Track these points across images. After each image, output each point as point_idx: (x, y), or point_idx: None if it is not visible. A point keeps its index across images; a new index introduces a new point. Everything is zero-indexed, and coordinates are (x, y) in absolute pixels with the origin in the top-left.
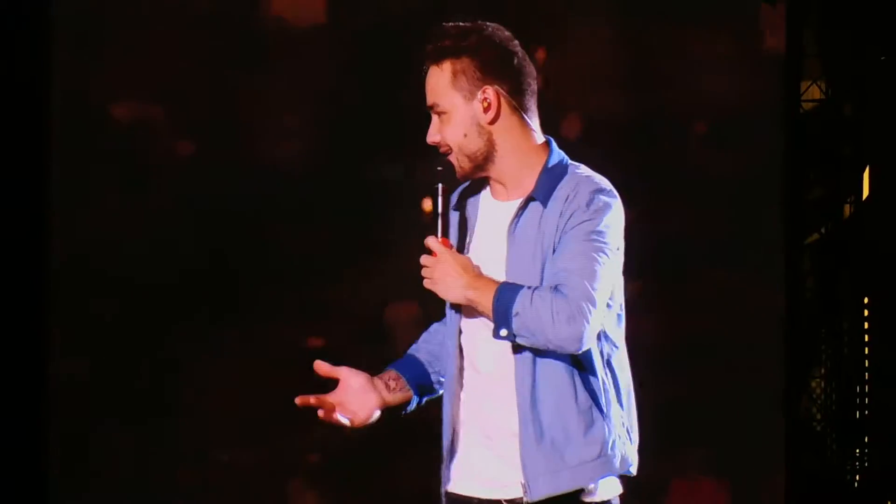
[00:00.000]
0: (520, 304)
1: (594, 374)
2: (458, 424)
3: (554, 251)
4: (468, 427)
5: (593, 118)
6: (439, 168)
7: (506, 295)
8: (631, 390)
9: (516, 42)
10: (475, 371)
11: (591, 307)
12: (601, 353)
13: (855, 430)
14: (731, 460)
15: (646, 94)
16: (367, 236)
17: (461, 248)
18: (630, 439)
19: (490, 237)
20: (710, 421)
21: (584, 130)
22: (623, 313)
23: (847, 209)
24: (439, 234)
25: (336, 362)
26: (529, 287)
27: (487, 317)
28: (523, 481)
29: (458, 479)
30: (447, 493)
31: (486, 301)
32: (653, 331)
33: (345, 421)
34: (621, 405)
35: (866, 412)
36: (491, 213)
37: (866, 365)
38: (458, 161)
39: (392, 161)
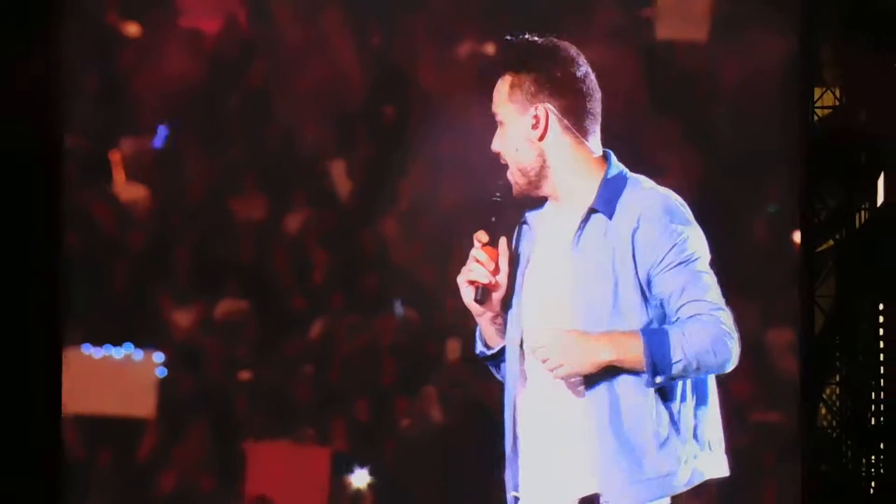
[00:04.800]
0: (675, 349)
1: (672, 387)
2: (518, 428)
3: (639, 272)
4: (532, 431)
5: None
6: (497, 195)
7: (655, 343)
8: (711, 397)
9: (581, 63)
10: (541, 378)
11: (726, 317)
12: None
13: (870, 437)
14: (747, 467)
15: (660, 103)
16: None
17: (524, 257)
18: (710, 448)
19: (551, 248)
20: (725, 427)
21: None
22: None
23: (862, 216)
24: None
25: None
26: (667, 328)
27: (633, 370)
28: (601, 493)
29: (525, 484)
30: (515, 498)
31: (631, 356)
32: None
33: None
34: (698, 414)
35: (881, 419)
36: (551, 221)
37: (881, 372)
38: (514, 176)
39: None
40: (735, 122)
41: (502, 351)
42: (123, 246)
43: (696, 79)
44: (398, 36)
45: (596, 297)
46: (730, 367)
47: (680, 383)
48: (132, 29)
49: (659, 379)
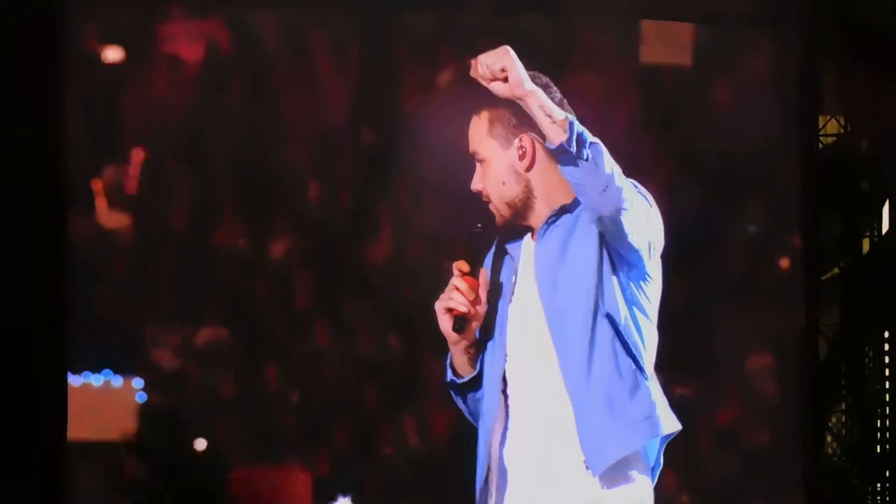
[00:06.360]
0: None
1: (632, 339)
2: (493, 460)
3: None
4: (512, 459)
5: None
6: (479, 225)
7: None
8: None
9: (553, 88)
10: (526, 408)
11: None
12: (633, 319)
13: (876, 465)
14: (752, 495)
15: (663, 131)
16: None
17: (507, 289)
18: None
19: (530, 274)
20: (730, 454)
21: None
22: (655, 314)
23: (866, 243)
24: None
25: None
26: None
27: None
28: (584, 459)
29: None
30: None
31: (556, 110)
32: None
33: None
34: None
35: (887, 447)
36: (531, 253)
37: (887, 399)
38: (498, 209)
39: None
40: (738, 149)
41: (473, 381)
42: (105, 273)
43: (692, 104)
44: (380, 60)
45: (556, 269)
46: (619, 200)
47: (635, 332)
48: (113, 55)
49: (574, 147)
